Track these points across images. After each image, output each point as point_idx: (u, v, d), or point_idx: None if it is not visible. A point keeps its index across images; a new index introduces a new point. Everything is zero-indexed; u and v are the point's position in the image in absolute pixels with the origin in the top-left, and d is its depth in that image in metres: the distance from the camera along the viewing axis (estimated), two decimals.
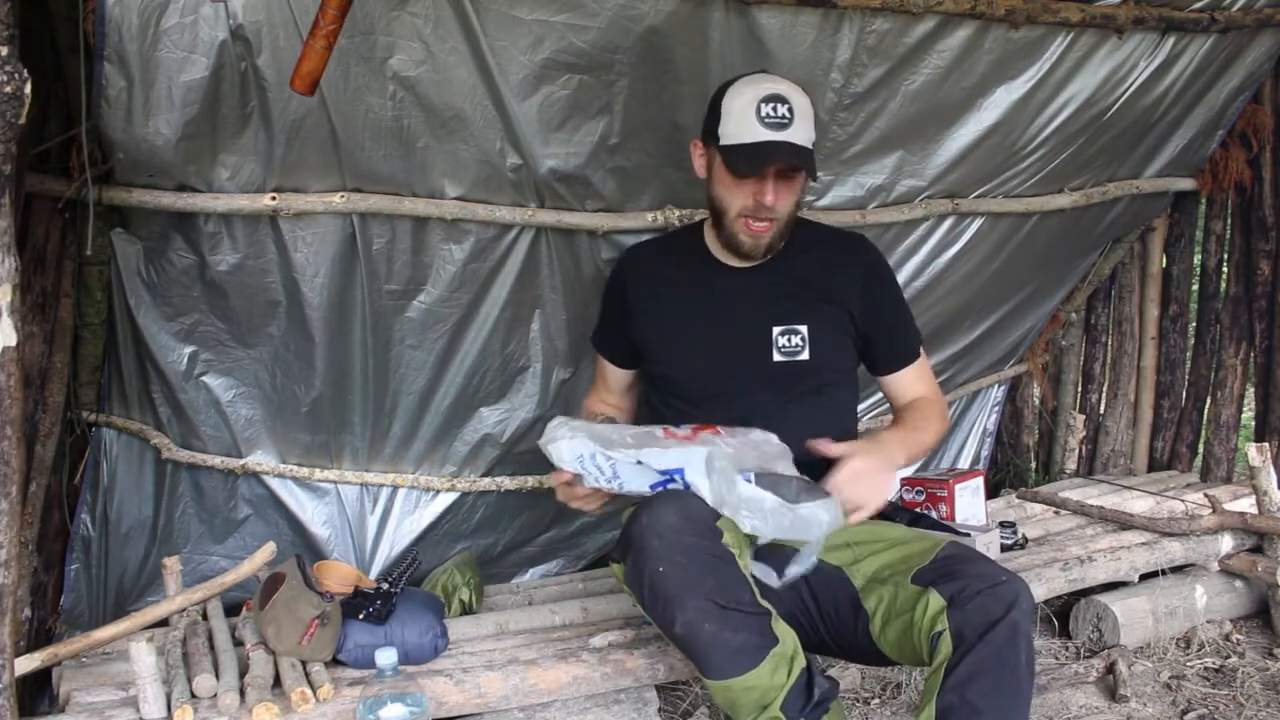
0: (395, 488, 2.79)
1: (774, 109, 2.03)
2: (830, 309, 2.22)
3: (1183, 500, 3.16)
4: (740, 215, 2.11)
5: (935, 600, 1.80)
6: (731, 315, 2.20)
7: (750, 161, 2.04)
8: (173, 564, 2.24)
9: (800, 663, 1.82)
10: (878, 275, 2.29)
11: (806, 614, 2.03)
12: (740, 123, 2.04)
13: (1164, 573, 2.82)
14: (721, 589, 1.79)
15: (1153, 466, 3.66)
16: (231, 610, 2.20)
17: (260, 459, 2.67)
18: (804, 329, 2.19)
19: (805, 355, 2.18)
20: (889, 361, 2.31)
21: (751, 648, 1.78)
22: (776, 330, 2.18)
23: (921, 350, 2.35)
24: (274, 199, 2.25)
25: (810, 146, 2.09)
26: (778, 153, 2.03)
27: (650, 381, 2.32)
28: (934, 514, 2.69)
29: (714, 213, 2.18)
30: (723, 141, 2.07)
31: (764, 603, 1.84)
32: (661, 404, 2.26)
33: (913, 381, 2.33)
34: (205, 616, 2.14)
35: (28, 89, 1.52)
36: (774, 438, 2.00)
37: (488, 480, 2.82)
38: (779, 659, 1.79)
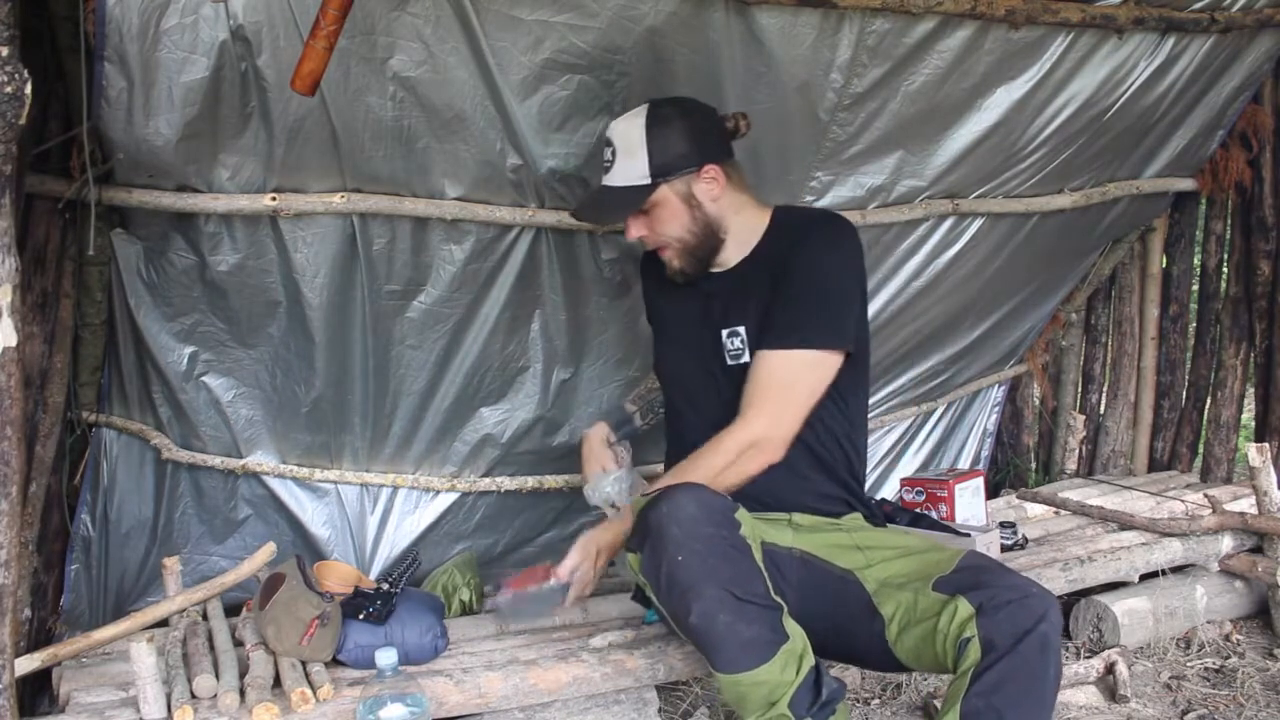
0: (395, 488, 2.79)
1: (604, 154, 2.14)
2: (763, 300, 2.09)
3: (1183, 500, 3.16)
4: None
5: (964, 607, 1.78)
6: (696, 319, 2.21)
7: (578, 215, 2.25)
8: (173, 564, 2.24)
9: (809, 661, 1.83)
10: (805, 244, 2.07)
11: (815, 616, 2.03)
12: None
13: (1164, 573, 2.82)
14: (738, 580, 1.80)
15: (1153, 467, 3.66)
16: (231, 610, 2.20)
17: (260, 459, 2.67)
18: (742, 329, 2.13)
19: (746, 357, 2.11)
20: (758, 338, 2.09)
21: (763, 642, 1.79)
22: (724, 333, 2.15)
23: (799, 346, 2.04)
24: (274, 199, 2.25)
25: (627, 183, 2.08)
26: (585, 209, 2.22)
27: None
28: (934, 514, 2.69)
29: None
30: None
31: (776, 597, 1.84)
32: (668, 408, 2.38)
33: (757, 368, 2.07)
34: (205, 617, 2.14)
35: (28, 89, 1.52)
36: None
37: (488, 480, 2.82)
38: (789, 655, 1.80)
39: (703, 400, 2.20)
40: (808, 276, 2.05)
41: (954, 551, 1.97)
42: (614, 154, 2.10)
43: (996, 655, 1.72)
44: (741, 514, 1.91)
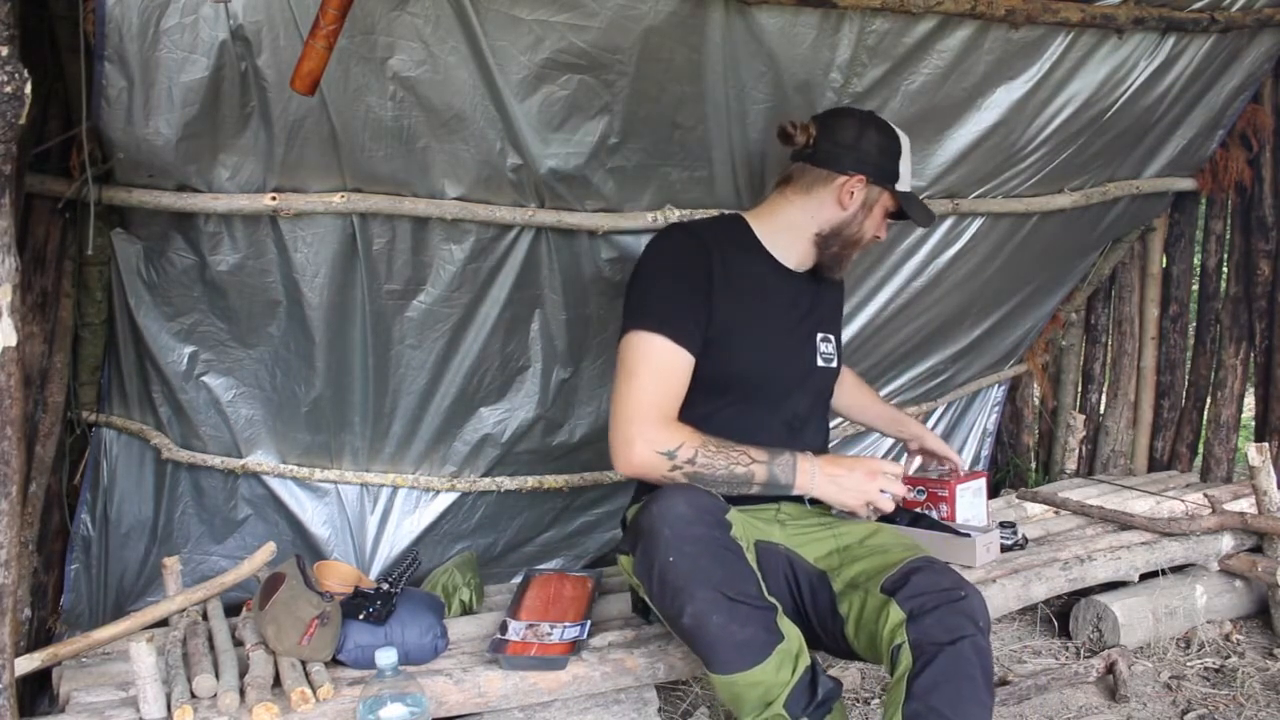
0: (395, 488, 2.79)
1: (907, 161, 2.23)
2: (839, 319, 2.37)
3: (1183, 500, 3.16)
4: (864, 246, 2.23)
5: (895, 613, 1.83)
6: (793, 319, 2.23)
7: (926, 214, 2.24)
8: (173, 564, 2.24)
9: (805, 660, 1.83)
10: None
11: (800, 613, 2.04)
12: (907, 172, 2.21)
13: (1164, 573, 2.83)
14: (730, 581, 1.80)
15: (1153, 466, 3.67)
16: (231, 610, 2.20)
17: (260, 459, 2.67)
18: (833, 338, 2.30)
19: (835, 363, 2.29)
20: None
21: (758, 643, 1.79)
22: (819, 337, 2.26)
23: None
24: (274, 199, 2.25)
25: None
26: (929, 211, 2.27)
27: (697, 376, 2.07)
28: (935, 514, 2.69)
29: (840, 239, 2.19)
30: (900, 187, 2.19)
31: (771, 598, 1.85)
32: (701, 402, 2.07)
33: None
34: (205, 616, 2.14)
35: (28, 89, 1.52)
36: None
37: (488, 480, 2.82)
38: (784, 655, 1.80)
39: (784, 400, 2.18)
40: None
41: (907, 553, 1.99)
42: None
43: (926, 660, 1.76)
44: (733, 515, 1.92)
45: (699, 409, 2.06)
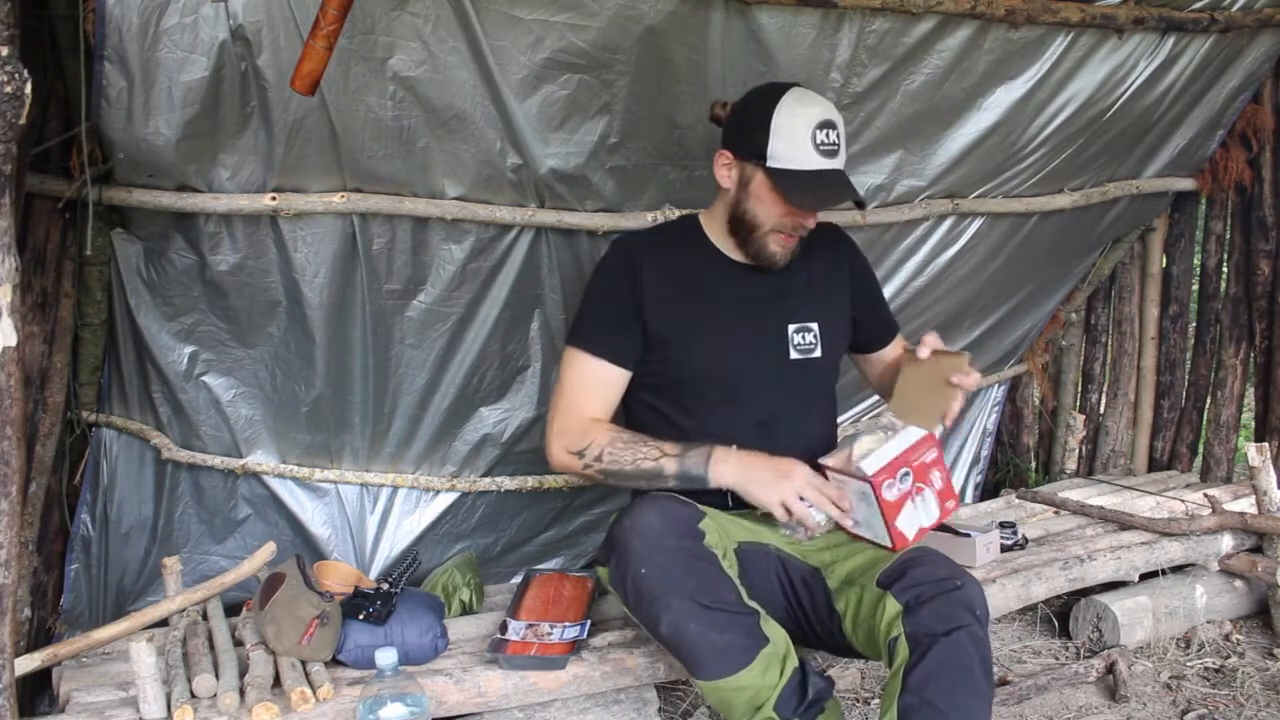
0: (395, 488, 2.79)
1: (827, 135, 1.99)
2: (833, 304, 2.24)
3: (1183, 500, 3.16)
4: (774, 231, 2.06)
5: (892, 605, 1.83)
6: (749, 313, 2.15)
7: (814, 195, 1.99)
8: (173, 564, 2.24)
9: (792, 662, 1.83)
10: (858, 257, 2.33)
11: (793, 613, 2.04)
12: (794, 147, 1.98)
13: (1164, 573, 2.83)
14: (704, 589, 1.80)
15: (1153, 466, 3.66)
16: (231, 610, 2.20)
17: (260, 459, 2.67)
18: (815, 326, 2.18)
19: (818, 353, 2.18)
20: (880, 336, 2.36)
21: (739, 648, 1.79)
22: (791, 328, 2.17)
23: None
24: (274, 199, 2.25)
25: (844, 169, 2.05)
26: (840, 189, 2.00)
27: (657, 384, 2.15)
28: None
29: (740, 224, 2.09)
30: (773, 164, 1.99)
31: (752, 603, 1.84)
32: (669, 408, 2.14)
33: (896, 349, 2.36)
34: (205, 616, 2.14)
35: (28, 89, 1.52)
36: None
37: (487, 480, 2.82)
38: (770, 659, 1.80)
39: (754, 395, 2.11)
40: (874, 275, 2.40)
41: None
42: (839, 137, 2.01)
43: (923, 651, 1.75)
44: (707, 523, 1.91)
45: (678, 419, 2.11)
